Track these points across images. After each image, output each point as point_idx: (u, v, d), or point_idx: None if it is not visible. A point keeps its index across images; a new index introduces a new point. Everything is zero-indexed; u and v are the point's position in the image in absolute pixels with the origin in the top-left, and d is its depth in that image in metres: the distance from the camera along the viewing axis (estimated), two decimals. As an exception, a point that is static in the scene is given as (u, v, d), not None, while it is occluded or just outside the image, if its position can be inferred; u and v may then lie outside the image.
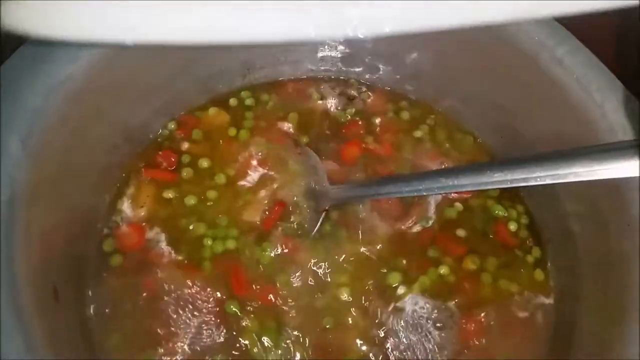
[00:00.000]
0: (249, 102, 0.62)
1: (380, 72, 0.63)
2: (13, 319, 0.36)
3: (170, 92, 0.57)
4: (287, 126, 0.60)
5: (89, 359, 0.46)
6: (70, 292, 0.46)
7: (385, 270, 0.52)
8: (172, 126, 0.59)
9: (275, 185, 0.56)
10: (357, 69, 0.64)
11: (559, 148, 0.48)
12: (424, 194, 0.49)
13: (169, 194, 0.55)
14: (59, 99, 0.44)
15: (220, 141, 0.59)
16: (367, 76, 0.64)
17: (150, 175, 0.56)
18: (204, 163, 0.57)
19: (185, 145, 0.58)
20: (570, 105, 0.49)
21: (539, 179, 0.44)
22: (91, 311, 0.49)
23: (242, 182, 0.56)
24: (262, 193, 0.56)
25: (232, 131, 0.59)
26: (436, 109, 0.63)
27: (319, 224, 0.53)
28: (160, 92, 0.56)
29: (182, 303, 0.50)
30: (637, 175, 0.38)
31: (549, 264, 0.55)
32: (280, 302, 0.50)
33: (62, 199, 0.46)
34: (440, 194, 0.54)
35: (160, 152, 0.57)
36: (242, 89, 0.62)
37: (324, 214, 0.54)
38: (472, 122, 0.61)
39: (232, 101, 0.61)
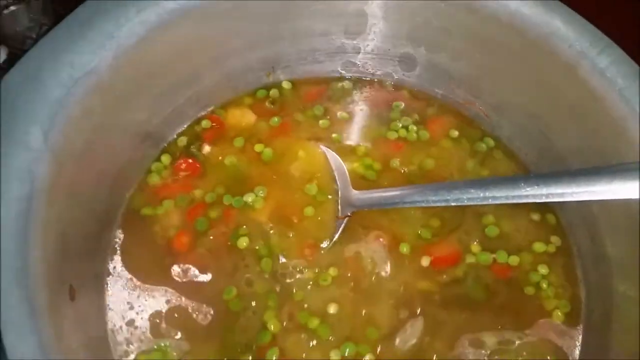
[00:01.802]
0: (273, 100, 0.60)
1: (413, 74, 0.61)
2: (27, 319, 0.35)
3: (194, 89, 0.55)
4: (312, 127, 0.59)
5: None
6: (87, 291, 0.45)
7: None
8: (196, 126, 0.57)
9: (295, 190, 0.54)
10: (386, 70, 0.62)
11: (596, 163, 0.47)
12: (452, 204, 0.47)
13: (188, 200, 0.53)
14: (83, 91, 0.42)
15: (246, 143, 0.57)
16: (397, 77, 0.62)
17: (170, 181, 0.54)
18: (227, 170, 0.55)
19: (207, 149, 0.56)
20: (611, 119, 0.46)
21: (575, 195, 0.42)
22: (109, 311, 0.48)
23: (263, 187, 0.54)
24: (283, 196, 0.54)
25: (259, 131, 0.58)
26: (464, 114, 0.61)
27: (339, 231, 0.52)
28: (183, 89, 0.54)
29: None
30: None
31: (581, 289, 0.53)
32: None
33: (80, 195, 0.44)
34: (469, 205, 0.52)
35: (182, 160, 0.55)
36: (267, 86, 0.61)
37: (345, 220, 0.52)
38: (502, 129, 0.59)
39: (258, 100, 0.60)
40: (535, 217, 0.55)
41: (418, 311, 0.50)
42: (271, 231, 0.52)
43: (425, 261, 0.52)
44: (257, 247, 0.51)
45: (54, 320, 0.37)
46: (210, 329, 0.48)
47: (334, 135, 0.58)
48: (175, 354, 0.47)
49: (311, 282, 0.50)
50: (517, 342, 0.50)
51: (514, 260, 0.53)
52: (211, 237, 0.51)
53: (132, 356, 0.47)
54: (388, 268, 0.51)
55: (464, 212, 0.54)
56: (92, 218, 0.47)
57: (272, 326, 0.47)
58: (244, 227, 0.52)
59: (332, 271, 0.50)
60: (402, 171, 0.56)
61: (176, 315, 0.48)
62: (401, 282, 0.51)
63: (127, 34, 0.45)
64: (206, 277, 0.50)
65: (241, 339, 0.47)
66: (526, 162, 0.58)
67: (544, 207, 0.55)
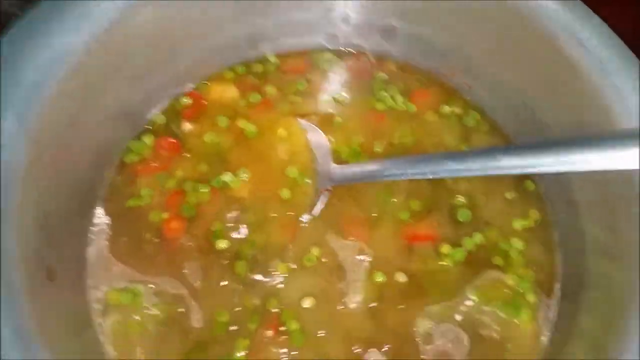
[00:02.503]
0: (256, 75, 0.60)
1: (396, 45, 0.61)
2: (4, 303, 0.35)
3: (173, 66, 0.55)
4: (295, 102, 0.59)
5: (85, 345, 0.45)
6: (68, 271, 0.46)
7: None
8: (175, 103, 0.57)
9: (277, 164, 0.54)
10: (368, 42, 0.62)
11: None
12: (430, 177, 0.47)
13: (168, 182, 0.53)
14: (60, 73, 0.42)
15: (227, 120, 0.56)
16: (379, 49, 0.62)
17: (150, 160, 0.54)
18: (208, 149, 0.55)
19: (188, 127, 0.56)
20: (591, 93, 0.46)
21: (549, 166, 0.42)
22: (90, 292, 0.48)
23: (245, 169, 0.54)
24: (264, 176, 0.54)
25: (241, 107, 0.57)
26: (447, 85, 0.61)
27: (319, 205, 0.52)
28: (162, 66, 0.54)
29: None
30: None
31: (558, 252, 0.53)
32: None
33: (58, 176, 0.45)
34: (446, 177, 0.53)
35: (162, 138, 0.55)
36: (249, 61, 0.60)
37: (326, 194, 0.52)
38: (485, 101, 0.59)
39: (240, 74, 0.59)
40: (511, 194, 0.55)
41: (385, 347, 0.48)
42: (252, 214, 0.52)
43: (401, 277, 0.51)
44: (239, 245, 0.50)
45: (32, 302, 0.37)
46: (188, 326, 0.48)
47: (316, 109, 0.58)
48: (145, 302, 0.48)
49: (290, 273, 0.50)
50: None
51: (490, 237, 0.53)
52: (190, 244, 0.50)
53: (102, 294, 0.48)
54: (359, 298, 0.50)
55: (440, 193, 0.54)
56: (72, 199, 0.47)
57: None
58: (221, 222, 0.51)
59: (315, 251, 0.50)
60: (387, 144, 0.57)
61: (161, 288, 0.49)
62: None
63: (103, 14, 0.45)
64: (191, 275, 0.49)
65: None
66: (510, 135, 0.58)
67: (523, 175, 0.56)
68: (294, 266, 0.50)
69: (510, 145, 0.55)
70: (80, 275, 0.48)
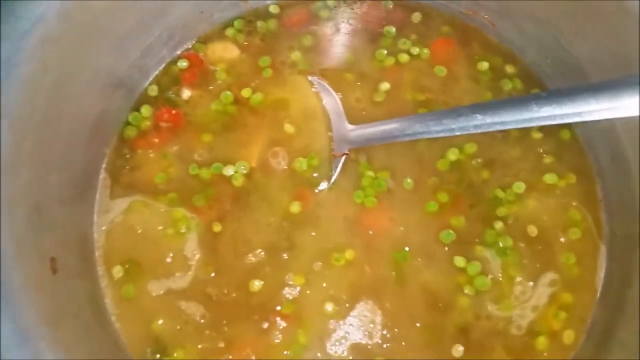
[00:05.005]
0: (255, 30, 0.54)
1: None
2: (3, 302, 0.33)
3: (164, 25, 0.50)
4: (301, 58, 0.53)
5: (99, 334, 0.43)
6: (74, 260, 0.42)
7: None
8: (173, 67, 0.52)
9: (290, 128, 0.50)
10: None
11: (619, 73, 0.41)
12: (457, 133, 0.42)
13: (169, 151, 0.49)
14: (33, 44, 0.38)
15: (231, 87, 0.51)
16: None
17: (151, 134, 0.50)
18: (212, 118, 0.50)
19: (187, 94, 0.51)
20: (634, 18, 0.40)
21: (594, 114, 0.38)
22: (102, 276, 0.46)
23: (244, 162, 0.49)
24: (275, 137, 0.50)
25: (244, 69, 0.52)
26: (469, 26, 0.54)
27: (337, 170, 0.48)
28: (151, 26, 0.49)
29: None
30: None
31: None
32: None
33: (52, 160, 0.41)
34: (476, 132, 0.47)
35: (163, 109, 0.50)
36: (246, 15, 0.54)
37: (343, 158, 0.48)
38: (512, 40, 0.53)
39: (238, 31, 0.54)
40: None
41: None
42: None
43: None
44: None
45: (34, 299, 0.35)
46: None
47: (325, 65, 0.53)
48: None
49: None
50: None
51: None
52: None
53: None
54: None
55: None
56: (69, 181, 0.44)
57: None
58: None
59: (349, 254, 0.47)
60: (403, 100, 0.51)
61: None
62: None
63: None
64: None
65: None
66: (541, 76, 0.52)
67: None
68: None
69: (546, 92, 0.49)
70: (86, 258, 0.45)
